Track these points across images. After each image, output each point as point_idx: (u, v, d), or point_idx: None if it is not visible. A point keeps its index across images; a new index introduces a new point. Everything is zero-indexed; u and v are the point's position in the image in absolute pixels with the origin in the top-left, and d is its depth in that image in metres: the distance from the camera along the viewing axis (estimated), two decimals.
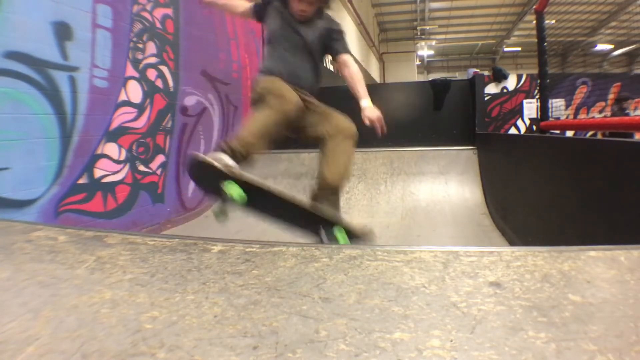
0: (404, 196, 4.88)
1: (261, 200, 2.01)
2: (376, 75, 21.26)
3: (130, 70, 3.83)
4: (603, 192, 2.10)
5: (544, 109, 4.00)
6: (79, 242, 1.28)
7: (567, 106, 5.60)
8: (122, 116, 3.72)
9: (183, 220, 4.59)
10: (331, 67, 11.31)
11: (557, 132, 4.05)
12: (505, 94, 5.66)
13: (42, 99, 2.94)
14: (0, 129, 2.66)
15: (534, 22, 4.05)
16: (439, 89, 5.93)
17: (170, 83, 4.43)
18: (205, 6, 2.44)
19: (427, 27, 20.21)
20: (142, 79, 3.98)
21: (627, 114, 5.43)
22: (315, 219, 2.05)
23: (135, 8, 3.91)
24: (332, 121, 2.28)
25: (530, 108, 5.59)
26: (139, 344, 0.71)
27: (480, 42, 24.31)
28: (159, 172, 4.25)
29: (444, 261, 1.00)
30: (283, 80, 2.16)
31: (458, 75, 18.67)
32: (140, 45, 3.97)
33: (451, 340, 0.68)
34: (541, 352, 0.64)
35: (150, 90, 4.08)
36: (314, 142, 2.30)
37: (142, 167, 3.99)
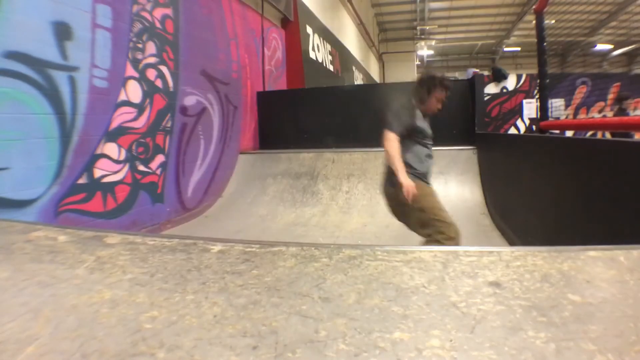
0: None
1: None
2: (376, 75, 21.27)
3: (130, 70, 3.83)
4: (603, 192, 2.10)
5: (543, 108, 4.00)
6: (78, 242, 1.28)
7: (567, 106, 5.60)
8: (122, 116, 3.72)
9: (183, 220, 4.59)
10: (331, 67, 11.30)
11: (557, 132, 4.05)
12: (504, 94, 5.66)
13: (42, 99, 2.94)
14: (0, 129, 2.65)
15: (534, 22, 4.04)
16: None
17: (170, 83, 4.42)
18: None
19: (427, 27, 20.19)
20: (142, 79, 3.98)
21: (627, 114, 5.43)
22: None
23: (135, 8, 3.91)
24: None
25: (530, 108, 5.59)
26: (139, 344, 0.71)
27: (479, 42, 24.31)
28: (158, 172, 4.25)
29: (444, 261, 1.00)
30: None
31: (458, 75, 18.66)
32: (140, 45, 3.96)
33: (451, 340, 0.68)
34: (541, 352, 0.64)
35: (149, 90, 4.08)
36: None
37: (141, 167, 3.99)
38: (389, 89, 6.76)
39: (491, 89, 5.68)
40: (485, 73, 6.08)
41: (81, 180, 3.29)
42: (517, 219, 3.66)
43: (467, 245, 1.16)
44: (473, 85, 5.75)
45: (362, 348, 0.67)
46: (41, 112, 2.93)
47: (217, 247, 1.19)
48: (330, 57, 11.23)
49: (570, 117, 5.61)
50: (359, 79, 15.57)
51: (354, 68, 14.73)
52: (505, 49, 24.44)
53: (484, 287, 0.86)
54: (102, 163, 3.50)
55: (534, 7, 4.28)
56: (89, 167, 3.37)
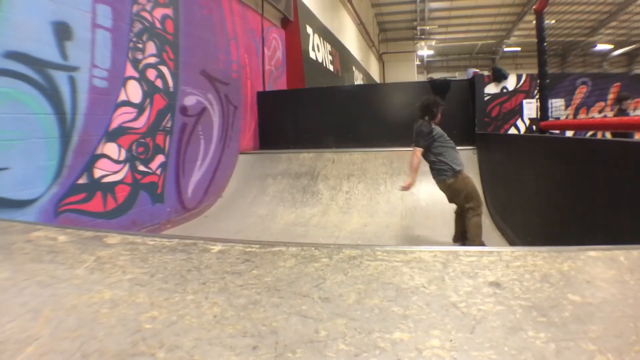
0: (404, 196, 4.88)
1: None
2: (376, 75, 21.27)
3: (130, 70, 3.83)
4: (603, 192, 2.10)
5: (543, 109, 4.00)
6: (78, 242, 1.28)
7: (567, 106, 5.60)
8: (122, 116, 3.72)
9: (183, 220, 4.59)
10: (331, 67, 11.31)
11: (557, 132, 4.05)
12: (505, 94, 5.66)
13: (42, 99, 2.94)
14: (0, 129, 2.65)
15: (534, 22, 4.05)
16: (438, 89, 5.93)
17: (170, 83, 4.43)
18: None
19: (427, 27, 20.20)
20: (142, 79, 3.98)
21: (627, 114, 5.42)
22: None
23: (135, 8, 3.91)
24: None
25: (530, 108, 5.59)
26: (139, 344, 0.71)
27: (480, 42, 24.31)
28: (158, 172, 4.25)
29: (444, 261, 1.00)
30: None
31: (458, 75, 18.66)
32: (140, 45, 3.96)
33: (451, 340, 0.68)
34: (541, 352, 0.64)
35: (149, 90, 4.08)
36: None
37: (141, 167, 3.99)
38: (389, 89, 6.77)
39: (491, 89, 5.68)
40: (486, 73, 6.08)
41: (81, 181, 3.29)
42: (517, 219, 3.66)
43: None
44: (473, 85, 5.75)
45: (362, 348, 0.67)
46: (41, 112, 2.93)
47: (217, 247, 1.19)
48: (330, 57, 11.23)
49: (570, 117, 5.61)
50: (359, 79, 15.58)
51: (354, 68, 14.73)
52: (505, 49, 24.45)
53: (484, 287, 0.86)
54: (102, 163, 3.50)
55: (534, 7, 4.28)
56: (89, 167, 3.37)
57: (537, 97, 4.83)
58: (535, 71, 4.35)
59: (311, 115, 6.51)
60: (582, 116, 5.76)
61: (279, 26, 8.07)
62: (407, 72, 21.53)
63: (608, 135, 4.78)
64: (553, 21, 3.86)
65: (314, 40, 9.63)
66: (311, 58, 9.26)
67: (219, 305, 0.84)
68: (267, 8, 7.26)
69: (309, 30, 9.25)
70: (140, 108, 3.96)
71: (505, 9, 18.53)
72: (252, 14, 6.74)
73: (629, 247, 1.02)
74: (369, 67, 18.80)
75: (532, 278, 0.89)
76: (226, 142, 5.65)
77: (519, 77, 5.70)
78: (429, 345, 0.67)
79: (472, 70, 6.43)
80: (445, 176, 3.32)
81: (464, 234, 3.43)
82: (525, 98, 5.65)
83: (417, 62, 24.08)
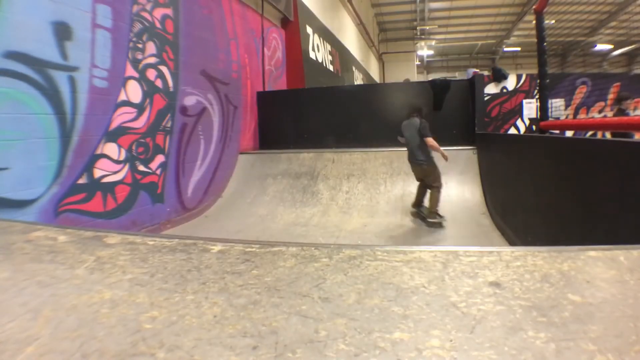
0: (404, 196, 4.88)
1: None
2: (376, 75, 21.27)
3: (130, 70, 3.83)
4: (603, 192, 2.10)
5: (543, 108, 4.00)
6: (78, 242, 1.28)
7: (567, 106, 5.60)
8: (122, 116, 3.72)
9: (183, 220, 4.59)
10: (331, 67, 11.31)
11: (557, 132, 4.05)
12: (504, 94, 5.66)
13: (42, 99, 2.94)
14: (0, 129, 2.65)
15: (534, 22, 4.05)
16: (438, 89, 5.93)
17: (170, 83, 4.43)
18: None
19: (427, 27, 20.21)
20: (142, 79, 3.98)
21: (627, 114, 5.42)
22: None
23: (135, 8, 3.91)
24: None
25: (530, 108, 5.59)
26: (139, 344, 0.71)
27: (480, 42, 24.32)
28: (158, 172, 4.25)
29: (444, 261, 1.00)
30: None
31: (458, 75, 18.65)
32: (140, 45, 3.97)
33: (451, 340, 0.68)
34: (541, 352, 0.64)
35: (149, 90, 4.08)
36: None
37: (141, 167, 3.99)
38: (389, 89, 6.77)
39: (491, 89, 5.68)
40: (485, 73, 6.08)
41: (81, 181, 3.29)
42: (517, 219, 3.66)
43: (467, 245, 1.16)
44: (473, 85, 5.75)
45: (362, 348, 0.67)
46: (41, 112, 2.93)
47: (217, 247, 1.19)
48: (330, 57, 11.23)
49: (570, 117, 5.61)
50: (359, 79, 15.58)
51: (354, 68, 14.73)
52: (505, 49, 24.45)
53: (484, 287, 0.86)
54: (102, 163, 3.50)
55: (534, 7, 4.28)
56: (89, 167, 3.37)
57: (537, 97, 4.83)
58: (535, 71, 4.35)
59: (311, 115, 6.51)
60: (582, 116, 5.76)
61: (279, 26, 8.07)
62: (407, 72, 21.52)
63: (608, 135, 4.78)
64: (553, 21, 3.86)
65: (314, 40, 9.63)
66: (311, 58, 9.27)
67: (219, 305, 0.84)
68: (267, 8, 7.26)
69: (309, 30, 9.25)
70: (140, 108, 3.96)
71: (505, 9, 18.53)
72: (252, 14, 6.74)
73: (629, 247, 1.02)
74: (368, 67, 18.80)
75: (532, 278, 0.89)
76: (226, 142, 5.65)
77: (518, 77, 5.70)
78: (429, 345, 0.67)
79: (472, 70, 6.43)
80: (426, 163, 4.29)
81: (421, 202, 4.53)
82: (525, 98, 5.65)
83: (417, 62, 24.08)
